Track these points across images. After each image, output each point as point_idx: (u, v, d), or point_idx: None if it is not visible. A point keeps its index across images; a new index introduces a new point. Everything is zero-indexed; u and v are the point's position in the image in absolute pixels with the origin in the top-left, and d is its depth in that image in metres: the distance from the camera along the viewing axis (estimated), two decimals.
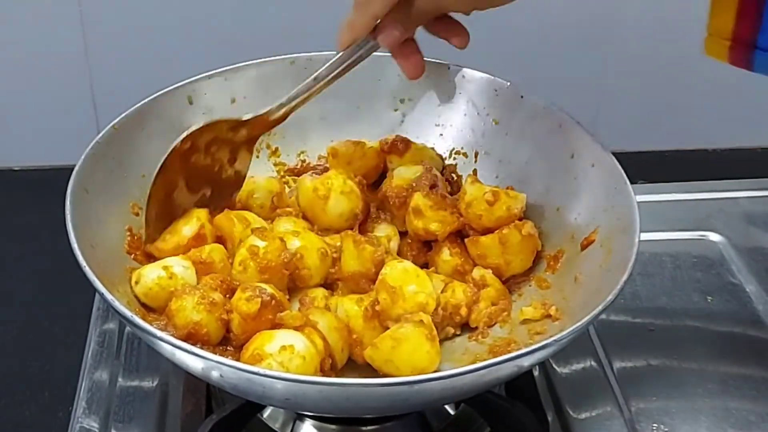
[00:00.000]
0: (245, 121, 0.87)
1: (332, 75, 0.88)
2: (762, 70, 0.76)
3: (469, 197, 0.87)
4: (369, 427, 0.83)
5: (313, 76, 0.88)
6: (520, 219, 0.86)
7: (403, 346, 0.74)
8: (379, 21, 0.85)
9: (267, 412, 0.86)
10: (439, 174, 0.91)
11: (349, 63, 0.88)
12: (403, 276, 0.78)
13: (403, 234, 0.89)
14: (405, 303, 0.77)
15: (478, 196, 0.86)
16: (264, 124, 0.88)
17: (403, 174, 0.90)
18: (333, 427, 0.83)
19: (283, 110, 0.88)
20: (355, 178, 0.90)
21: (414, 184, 0.88)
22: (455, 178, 0.96)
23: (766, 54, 0.74)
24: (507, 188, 0.88)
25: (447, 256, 0.86)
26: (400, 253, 0.88)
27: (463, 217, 0.87)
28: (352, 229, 0.87)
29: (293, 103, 0.88)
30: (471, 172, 0.95)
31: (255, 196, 0.90)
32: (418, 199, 0.86)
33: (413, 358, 0.74)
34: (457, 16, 0.88)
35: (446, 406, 0.87)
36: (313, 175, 0.91)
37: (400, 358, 0.74)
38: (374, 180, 0.95)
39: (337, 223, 0.88)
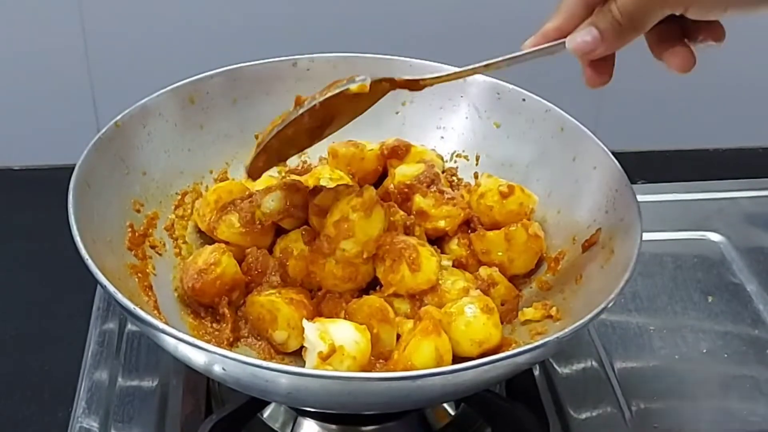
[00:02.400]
0: (394, 79, 0.81)
1: (503, 65, 0.79)
2: None
3: (482, 188, 0.88)
4: (369, 427, 0.83)
5: (477, 65, 0.80)
6: (528, 219, 0.87)
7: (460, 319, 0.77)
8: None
9: (267, 412, 0.86)
10: (439, 172, 0.91)
11: (525, 58, 0.78)
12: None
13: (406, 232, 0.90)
14: None
15: (492, 187, 0.88)
16: (412, 86, 0.82)
17: (404, 171, 0.90)
18: (333, 427, 0.83)
19: (434, 81, 0.82)
20: (354, 178, 0.91)
21: (415, 181, 0.88)
22: (456, 180, 0.96)
23: None
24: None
25: (455, 245, 0.88)
26: None
27: (473, 209, 0.88)
28: None
29: (448, 77, 0.82)
30: (473, 175, 0.96)
31: (255, 196, 0.91)
32: (419, 202, 0.87)
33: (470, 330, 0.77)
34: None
35: (446, 406, 0.87)
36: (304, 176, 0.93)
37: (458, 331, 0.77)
38: (373, 182, 0.95)
39: None
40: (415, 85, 0.81)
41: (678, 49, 0.74)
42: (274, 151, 0.82)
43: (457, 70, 0.81)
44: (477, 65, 0.79)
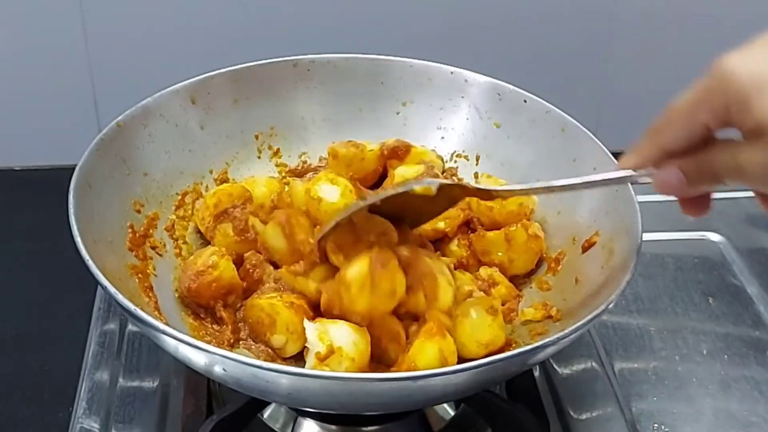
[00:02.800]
0: (466, 186, 0.80)
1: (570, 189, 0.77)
2: None
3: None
4: (369, 428, 0.83)
5: (548, 184, 0.77)
6: (528, 220, 0.87)
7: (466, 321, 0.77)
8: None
9: (267, 413, 0.86)
10: (439, 173, 0.91)
11: (598, 184, 0.75)
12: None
13: None
14: None
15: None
16: (483, 196, 0.80)
17: (404, 173, 0.90)
18: (334, 427, 0.83)
19: (507, 194, 0.80)
20: (352, 179, 0.91)
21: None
22: (456, 180, 0.96)
23: None
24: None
25: (455, 246, 0.88)
26: None
27: (473, 210, 0.88)
28: None
29: (515, 192, 0.80)
30: (473, 175, 0.96)
31: (255, 196, 0.91)
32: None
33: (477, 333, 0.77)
34: None
35: (446, 407, 0.87)
36: (305, 177, 0.93)
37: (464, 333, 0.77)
38: (373, 182, 0.95)
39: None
40: (486, 195, 0.80)
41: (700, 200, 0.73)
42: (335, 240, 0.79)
43: (525, 187, 0.80)
44: (550, 185, 0.76)
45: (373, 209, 0.78)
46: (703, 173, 0.67)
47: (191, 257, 0.84)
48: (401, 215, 0.80)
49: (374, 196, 0.78)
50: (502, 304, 0.84)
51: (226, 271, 0.82)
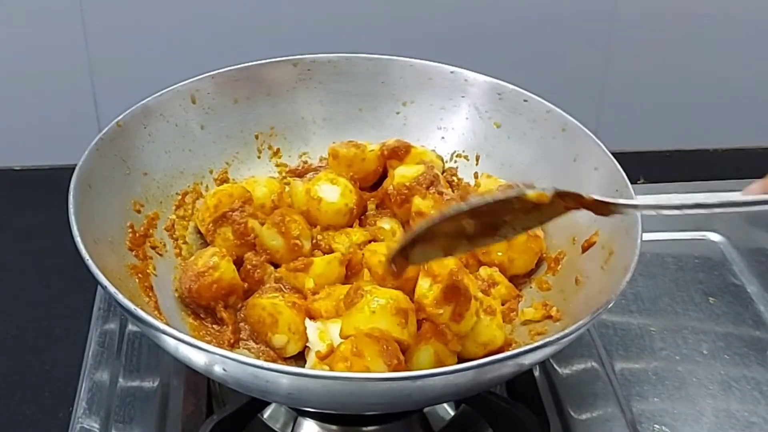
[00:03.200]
0: (581, 196, 0.70)
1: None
2: None
3: (483, 189, 0.89)
4: (369, 428, 0.83)
5: (682, 202, 0.68)
6: None
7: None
8: None
9: (267, 412, 0.86)
10: (439, 173, 0.91)
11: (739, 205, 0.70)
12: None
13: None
14: None
15: (492, 188, 0.88)
16: (600, 209, 0.71)
17: (404, 173, 0.91)
18: (334, 427, 0.83)
19: (626, 208, 0.72)
20: (352, 179, 0.91)
21: (414, 183, 0.89)
22: (456, 180, 0.96)
23: None
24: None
25: None
26: None
27: None
28: (351, 225, 0.88)
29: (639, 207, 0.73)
30: (473, 175, 0.96)
31: (256, 196, 0.91)
32: (418, 203, 0.87)
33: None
34: None
35: (446, 407, 0.87)
36: (305, 177, 0.93)
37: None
38: (373, 182, 0.95)
39: (335, 220, 0.88)
40: (603, 209, 0.71)
41: None
42: (424, 245, 0.72)
43: (647, 203, 0.70)
44: (690, 202, 0.68)
45: (467, 216, 0.70)
46: None
47: (192, 258, 0.84)
48: (495, 228, 0.72)
49: (479, 200, 0.69)
50: (502, 304, 0.84)
51: (226, 272, 0.82)
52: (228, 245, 0.85)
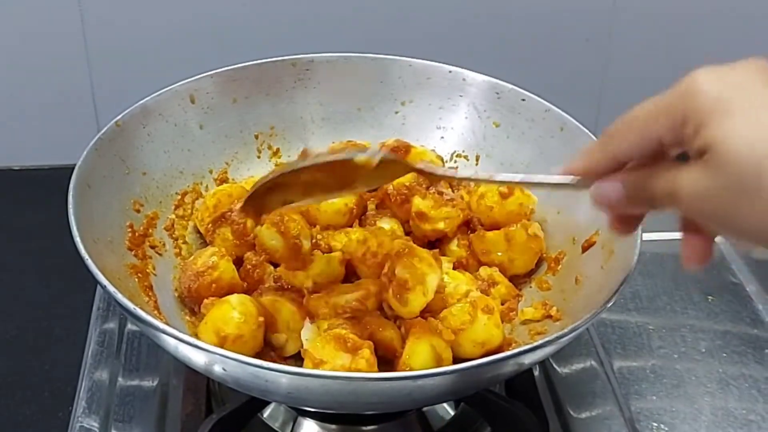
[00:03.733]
0: (408, 164, 0.76)
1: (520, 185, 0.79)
2: None
3: (483, 189, 0.89)
4: (369, 427, 0.83)
5: (490, 176, 0.77)
6: (527, 220, 0.87)
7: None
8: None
9: (267, 412, 0.86)
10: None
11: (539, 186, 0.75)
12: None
13: (406, 232, 0.90)
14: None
15: (492, 188, 0.88)
16: (428, 177, 0.78)
17: None
18: (333, 426, 0.83)
19: (449, 178, 0.79)
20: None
21: (414, 183, 0.89)
22: (455, 181, 0.96)
23: None
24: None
25: (454, 246, 0.88)
26: None
27: (472, 210, 0.88)
28: (351, 224, 0.88)
29: (456, 179, 0.81)
30: None
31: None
32: (418, 204, 0.87)
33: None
34: None
35: (446, 406, 0.87)
36: None
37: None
38: None
39: (335, 220, 0.89)
40: (430, 177, 0.78)
41: (694, 239, 0.68)
42: (264, 197, 0.76)
43: (468, 175, 0.80)
44: (491, 177, 0.77)
45: (305, 173, 0.74)
46: (640, 192, 0.62)
47: (191, 257, 0.84)
48: (341, 185, 0.76)
49: (312, 159, 0.73)
50: (502, 304, 0.84)
51: (226, 272, 0.82)
52: (227, 245, 0.85)
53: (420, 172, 0.75)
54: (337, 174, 0.74)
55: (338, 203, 0.89)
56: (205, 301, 0.80)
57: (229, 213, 0.86)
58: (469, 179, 0.81)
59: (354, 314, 0.78)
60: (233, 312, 0.77)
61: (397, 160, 0.75)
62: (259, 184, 0.75)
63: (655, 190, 0.61)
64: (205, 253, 0.83)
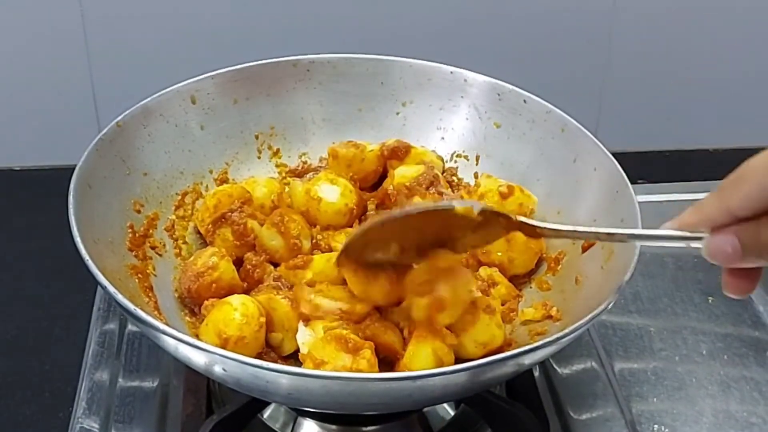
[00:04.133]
0: (510, 218, 0.73)
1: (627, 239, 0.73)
2: None
3: (483, 189, 0.89)
4: (369, 428, 0.83)
5: (597, 230, 0.73)
6: None
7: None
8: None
9: (267, 412, 0.86)
10: (439, 173, 0.91)
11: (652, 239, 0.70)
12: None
13: None
14: None
15: (492, 188, 0.88)
16: (528, 231, 0.74)
17: (404, 173, 0.91)
18: (333, 427, 0.83)
19: (552, 233, 0.73)
20: (352, 179, 0.91)
21: (414, 183, 0.89)
22: (456, 180, 0.96)
23: None
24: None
25: None
26: None
27: None
28: (351, 224, 0.88)
29: (561, 234, 0.74)
30: (473, 175, 0.96)
31: (255, 196, 0.91)
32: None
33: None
34: None
35: (446, 406, 0.87)
36: (305, 177, 0.93)
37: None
38: (373, 182, 0.95)
39: (335, 220, 0.89)
40: (530, 232, 0.73)
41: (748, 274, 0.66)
42: (360, 250, 0.75)
43: (572, 229, 0.72)
44: (598, 231, 0.72)
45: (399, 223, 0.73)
46: (757, 243, 0.60)
47: (191, 258, 0.84)
48: (443, 239, 0.75)
49: (411, 208, 0.72)
50: (502, 304, 0.84)
51: (226, 273, 0.82)
52: (227, 246, 0.85)
53: (522, 227, 0.72)
54: (435, 226, 0.72)
55: (338, 203, 0.88)
56: (206, 302, 0.80)
57: (230, 213, 0.86)
58: (579, 235, 0.74)
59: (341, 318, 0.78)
60: (234, 313, 0.76)
61: (499, 213, 0.72)
62: (353, 236, 0.75)
63: None
64: (205, 253, 0.83)
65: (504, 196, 0.87)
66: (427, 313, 0.75)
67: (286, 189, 0.93)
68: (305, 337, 0.77)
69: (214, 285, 0.81)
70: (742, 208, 0.60)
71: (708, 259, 0.64)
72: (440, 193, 0.88)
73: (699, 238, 0.64)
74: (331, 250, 0.86)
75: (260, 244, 0.86)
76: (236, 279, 0.83)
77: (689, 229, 0.65)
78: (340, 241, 0.86)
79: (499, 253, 0.86)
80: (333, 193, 0.89)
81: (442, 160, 0.96)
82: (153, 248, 0.86)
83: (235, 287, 0.82)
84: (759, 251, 0.61)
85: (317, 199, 0.88)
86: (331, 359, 0.72)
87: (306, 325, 0.78)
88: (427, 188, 0.89)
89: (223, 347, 0.74)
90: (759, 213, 0.60)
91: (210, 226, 0.87)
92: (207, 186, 0.93)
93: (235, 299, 0.78)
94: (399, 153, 0.93)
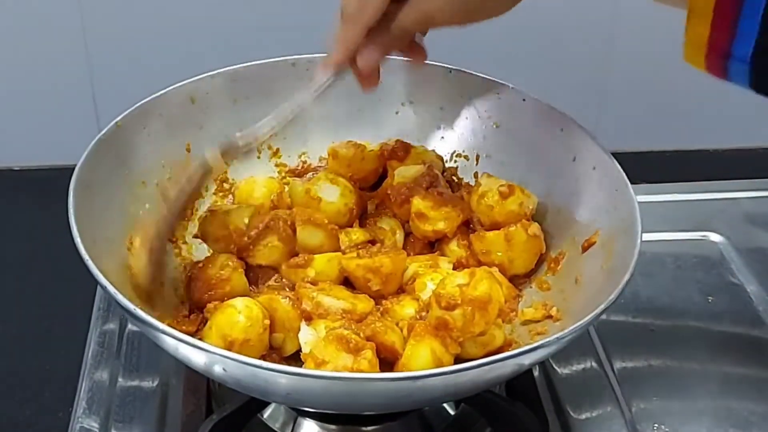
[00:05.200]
0: None
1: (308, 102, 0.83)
2: (737, 80, 0.75)
3: (483, 188, 0.88)
4: (369, 428, 0.83)
5: (289, 104, 0.83)
6: (528, 220, 0.87)
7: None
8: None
9: (267, 412, 0.86)
10: (439, 173, 0.91)
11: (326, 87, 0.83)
12: None
13: (406, 233, 0.90)
14: None
15: (493, 187, 0.88)
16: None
17: (403, 173, 0.91)
18: (333, 427, 0.83)
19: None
20: (352, 179, 0.91)
21: (414, 183, 0.89)
22: (456, 180, 0.96)
23: (740, 64, 0.73)
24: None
25: (454, 246, 0.88)
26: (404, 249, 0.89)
27: (473, 210, 0.88)
28: (351, 224, 0.88)
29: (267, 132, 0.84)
30: (473, 174, 0.96)
31: (255, 196, 0.91)
32: (418, 204, 0.87)
33: None
34: None
35: (446, 406, 0.87)
36: (304, 177, 0.93)
37: None
38: (373, 182, 0.95)
39: (335, 219, 0.88)
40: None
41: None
42: None
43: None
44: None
45: None
46: (396, 37, 0.78)
47: (200, 265, 0.84)
48: None
49: None
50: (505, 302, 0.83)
51: (238, 285, 0.82)
52: (278, 253, 0.85)
53: None
54: None
55: (338, 203, 0.88)
56: (208, 305, 0.80)
57: (272, 222, 0.85)
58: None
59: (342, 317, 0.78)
60: (239, 316, 0.76)
61: None
62: None
63: (408, 24, 0.77)
64: (216, 263, 0.83)
65: (504, 196, 0.87)
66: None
67: (286, 189, 0.93)
68: (307, 337, 0.77)
69: (226, 298, 0.80)
70: (375, 18, 0.77)
71: (363, 71, 0.80)
72: (440, 194, 0.88)
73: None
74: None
75: (300, 245, 0.86)
76: (247, 291, 0.83)
77: (342, 66, 0.80)
78: (340, 241, 0.86)
79: (499, 253, 0.86)
80: (333, 192, 0.89)
81: (442, 159, 0.96)
82: None
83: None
84: (394, 43, 0.80)
85: (317, 198, 0.88)
86: (333, 359, 0.72)
87: (308, 325, 0.78)
88: (427, 188, 0.89)
89: (229, 350, 0.74)
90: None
91: (252, 241, 0.85)
92: (207, 186, 0.93)
93: (239, 302, 0.78)
94: (399, 153, 0.93)
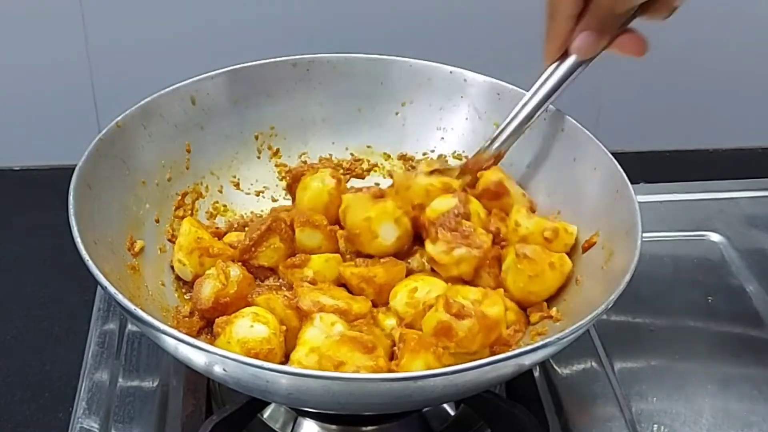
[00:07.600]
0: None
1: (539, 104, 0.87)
2: None
3: (524, 231, 0.84)
4: (369, 428, 0.83)
5: (521, 105, 0.88)
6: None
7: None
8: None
9: (267, 413, 0.86)
10: (470, 210, 0.86)
11: (557, 83, 0.86)
12: None
13: None
14: None
15: (535, 231, 0.84)
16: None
17: (435, 206, 0.85)
18: (334, 427, 0.83)
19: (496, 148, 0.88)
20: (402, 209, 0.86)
21: (439, 219, 0.84)
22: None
23: None
24: (554, 216, 0.88)
25: (485, 273, 0.84)
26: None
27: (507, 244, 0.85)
28: (397, 255, 0.86)
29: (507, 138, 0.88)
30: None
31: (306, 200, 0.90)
32: (429, 251, 0.83)
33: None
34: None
35: (446, 407, 0.87)
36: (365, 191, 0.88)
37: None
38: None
39: (376, 253, 0.85)
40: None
41: (628, 36, 0.83)
42: None
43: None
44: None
45: None
46: (606, 20, 0.80)
47: (205, 275, 0.82)
48: None
49: None
50: (507, 327, 0.81)
51: (245, 292, 0.81)
52: (279, 253, 0.84)
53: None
54: None
55: (390, 246, 0.85)
56: (218, 320, 0.79)
57: (274, 224, 0.85)
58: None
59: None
60: (257, 326, 0.75)
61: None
62: None
63: (616, 7, 0.79)
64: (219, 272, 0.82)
65: (549, 241, 0.83)
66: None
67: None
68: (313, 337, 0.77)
69: (231, 308, 0.80)
70: (577, 8, 0.80)
71: (583, 57, 0.83)
72: (456, 228, 0.83)
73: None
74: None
75: (299, 246, 0.85)
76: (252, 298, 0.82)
77: (556, 57, 0.84)
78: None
79: (521, 285, 0.82)
80: (392, 234, 0.85)
81: (532, 202, 0.91)
82: None
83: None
84: (607, 26, 0.81)
85: (373, 233, 0.84)
86: (349, 360, 0.71)
87: (305, 326, 0.77)
88: (453, 224, 0.83)
89: None
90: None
91: (254, 243, 0.84)
92: (207, 186, 0.93)
93: (250, 312, 0.77)
94: (492, 191, 0.89)
